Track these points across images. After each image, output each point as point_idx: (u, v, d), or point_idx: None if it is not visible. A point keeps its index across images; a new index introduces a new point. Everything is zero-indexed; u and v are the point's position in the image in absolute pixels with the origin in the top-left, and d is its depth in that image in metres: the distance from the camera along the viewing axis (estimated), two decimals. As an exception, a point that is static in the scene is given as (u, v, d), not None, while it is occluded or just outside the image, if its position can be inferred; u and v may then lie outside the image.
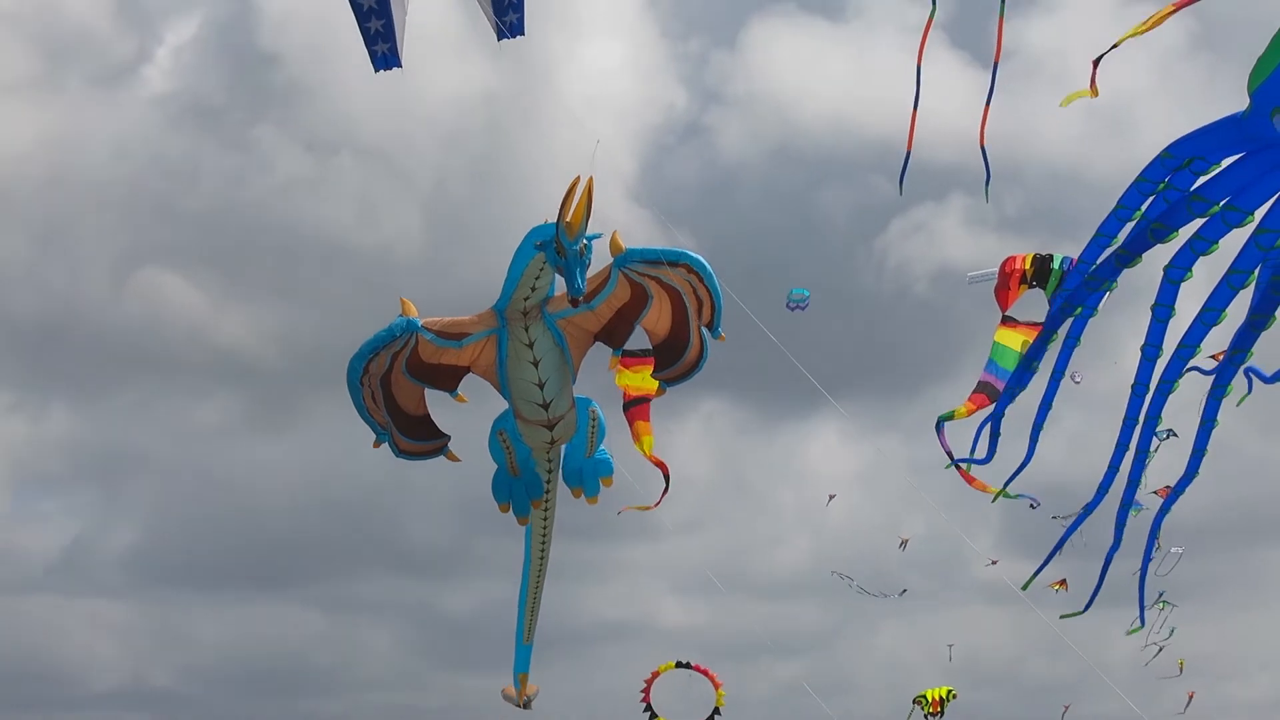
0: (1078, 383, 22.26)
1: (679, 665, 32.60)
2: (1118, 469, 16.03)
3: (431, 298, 18.87)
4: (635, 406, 23.94)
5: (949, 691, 35.65)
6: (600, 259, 18.19)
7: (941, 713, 35.72)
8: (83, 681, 60.31)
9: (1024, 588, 18.16)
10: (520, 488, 20.11)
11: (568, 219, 16.84)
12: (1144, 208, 14.33)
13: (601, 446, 20.17)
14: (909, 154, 16.85)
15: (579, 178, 16.77)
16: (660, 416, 22.88)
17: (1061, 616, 19.34)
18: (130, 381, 67.27)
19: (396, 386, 18.95)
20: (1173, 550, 32.13)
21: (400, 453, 19.79)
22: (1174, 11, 14.61)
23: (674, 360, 19.36)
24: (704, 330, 18.93)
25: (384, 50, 16.80)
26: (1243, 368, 15.15)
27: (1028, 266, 25.36)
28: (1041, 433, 16.40)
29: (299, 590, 65.17)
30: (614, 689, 33.28)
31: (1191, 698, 40.32)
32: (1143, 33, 14.70)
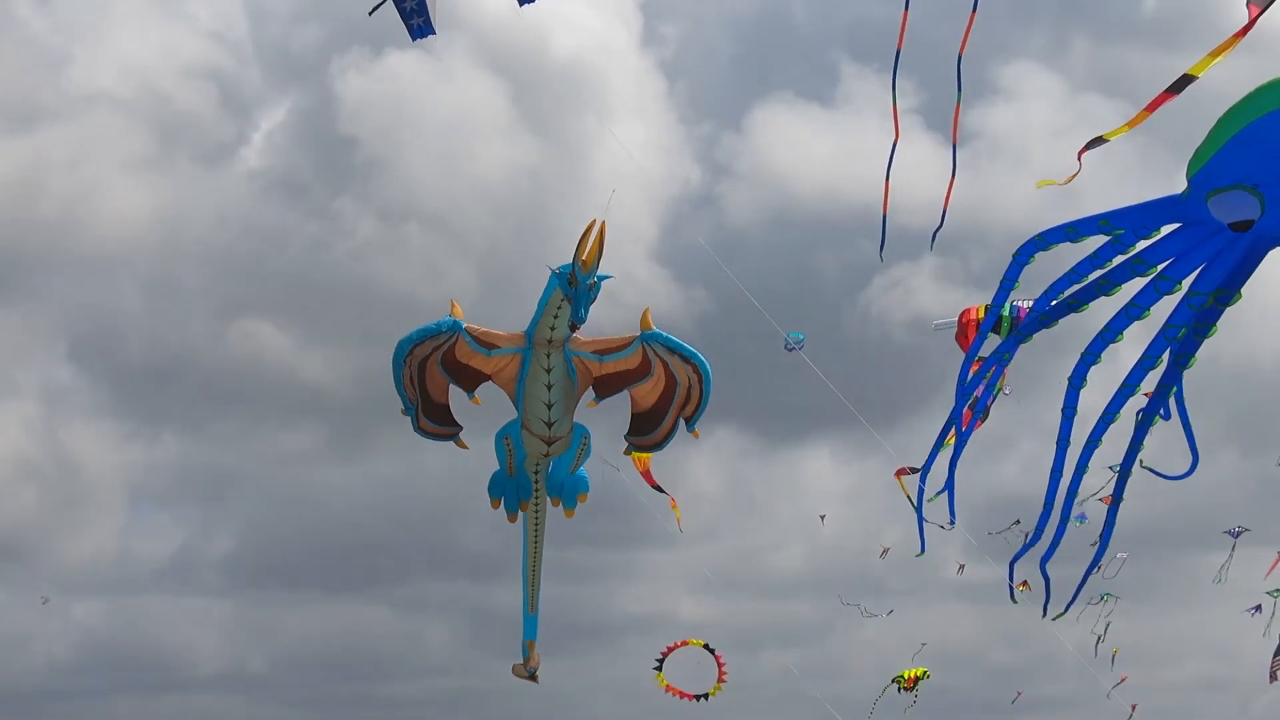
0: (1008, 394, 24.88)
1: (706, 647, 35.61)
2: (1055, 488, 18.05)
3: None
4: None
5: (923, 672, 40.34)
6: (630, 326, 21.56)
7: (915, 689, 40.45)
8: (189, 667, 70.02)
9: (1055, 617, 20.36)
10: (513, 488, 22.69)
11: (583, 257, 19.62)
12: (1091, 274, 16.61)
13: (583, 468, 22.57)
14: (885, 220, 19.34)
15: (594, 220, 19.63)
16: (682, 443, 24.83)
17: (1054, 618, 20.66)
18: (228, 414, 75.97)
19: (429, 374, 21.70)
20: (1119, 555, 35.30)
21: (419, 429, 22.46)
22: (1150, 113, 16.51)
23: (646, 431, 22.20)
24: (682, 420, 21.73)
25: (419, 23, 18.04)
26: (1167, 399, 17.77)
27: (981, 315, 27.93)
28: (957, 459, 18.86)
29: (371, 591, 74.52)
30: (638, 674, 36.46)
31: (1124, 679, 44.39)
32: (1125, 131, 16.68)
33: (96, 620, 71.78)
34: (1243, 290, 17.33)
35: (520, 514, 23.14)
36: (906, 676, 40.09)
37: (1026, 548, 19.35)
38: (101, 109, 79.87)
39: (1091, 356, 17.30)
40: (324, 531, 70.22)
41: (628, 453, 23.19)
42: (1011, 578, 20.38)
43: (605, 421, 22.52)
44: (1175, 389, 17.77)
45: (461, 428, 22.64)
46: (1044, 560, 19.16)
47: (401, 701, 70.72)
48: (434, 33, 18.30)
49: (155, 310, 77.54)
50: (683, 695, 35.32)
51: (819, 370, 24.41)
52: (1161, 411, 18.01)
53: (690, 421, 21.73)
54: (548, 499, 23.04)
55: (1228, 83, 15.43)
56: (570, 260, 20.05)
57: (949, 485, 19.48)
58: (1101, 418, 17.53)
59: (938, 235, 20.02)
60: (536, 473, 22.46)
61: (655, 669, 35.94)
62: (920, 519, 21.00)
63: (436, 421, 22.55)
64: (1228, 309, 17.45)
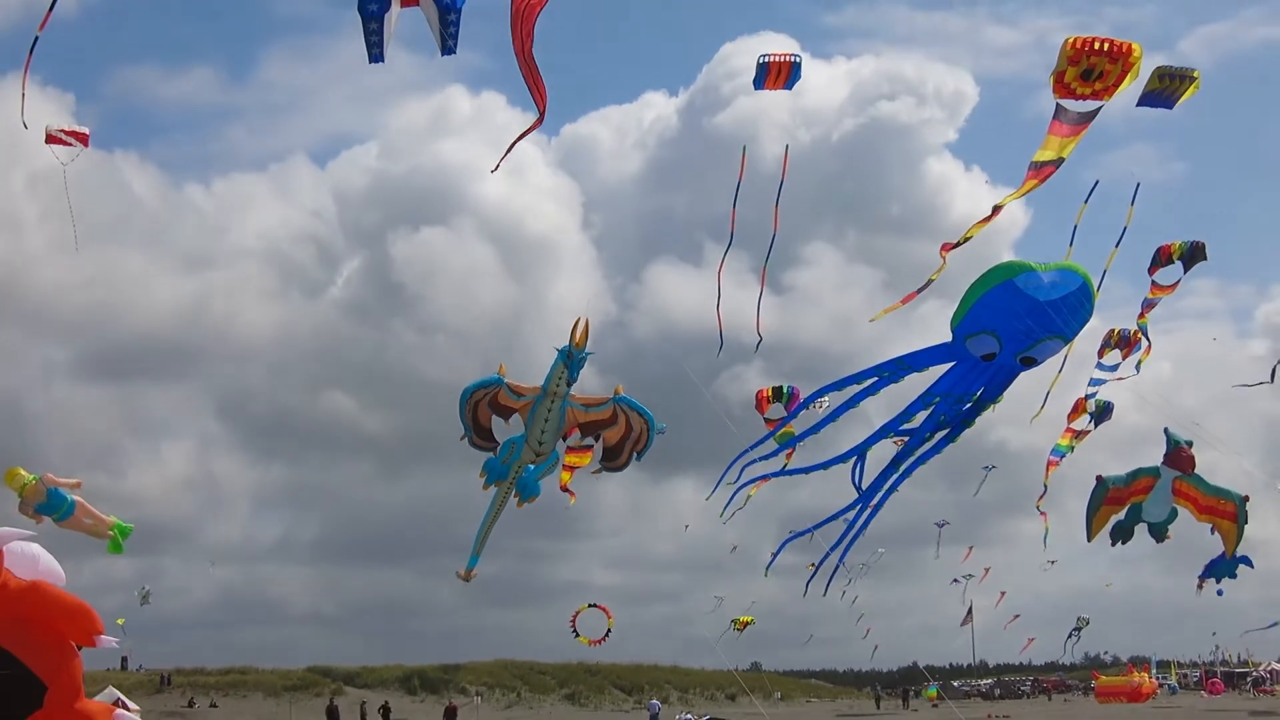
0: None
1: (590, 605, 44.87)
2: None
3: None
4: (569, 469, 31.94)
5: (751, 619, 54.81)
6: (607, 388, 30.05)
7: (743, 630, 55.54)
8: (287, 608, 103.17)
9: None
10: (497, 472, 29.75)
11: (576, 341, 27.99)
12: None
13: (540, 482, 29.62)
14: (721, 334, 28.84)
15: (580, 318, 28.29)
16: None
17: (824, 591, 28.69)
18: (315, 451, 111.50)
19: (480, 410, 29.34)
20: (879, 550, 51.40)
21: (472, 445, 29.97)
22: (992, 217, 22.56)
23: (612, 459, 29.74)
24: (634, 453, 29.54)
25: (376, 52, 16.78)
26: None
27: (769, 393, 35.95)
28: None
29: (402, 563, 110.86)
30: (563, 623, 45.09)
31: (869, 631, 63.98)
32: (982, 228, 22.83)
33: (232, 577, 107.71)
34: (1001, 397, 24.55)
35: (493, 489, 30.08)
36: (740, 621, 53.38)
37: (790, 538, 28.45)
38: (245, 259, 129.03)
39: (883, 433, 24.77)
40: (372, 525, 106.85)
41: (596, 473, 30.12)
42: (775, 557, 30.11)
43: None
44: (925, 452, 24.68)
45: (499, 443, 29.55)
46: (838, 555, 26.58)
47: (420, 633, 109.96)
48: (383, 61, 17.13)
49: (272, 385, 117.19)
50: (594, 642, 45.00)
51: (682, 433, 32.14)
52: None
53: (639, 454, 29.52)
54: (513, 489, 29.86)
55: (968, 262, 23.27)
56: (567, 342, 27.95)
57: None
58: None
59: (760, 346, 29.44)
60: (517, 470, 29.36)
61: (574, 635, 44.81)
62: (779, 549, 29.95)
63: (484, 439, 29.69)
64: (990, 408, 24.79)
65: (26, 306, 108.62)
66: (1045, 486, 44.73)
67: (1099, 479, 38.38)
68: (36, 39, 18.16)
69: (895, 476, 25.12)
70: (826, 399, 33.78)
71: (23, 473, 27.22)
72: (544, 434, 28.75)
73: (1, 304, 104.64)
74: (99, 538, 23.54)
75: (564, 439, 29.74)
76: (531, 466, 29.12)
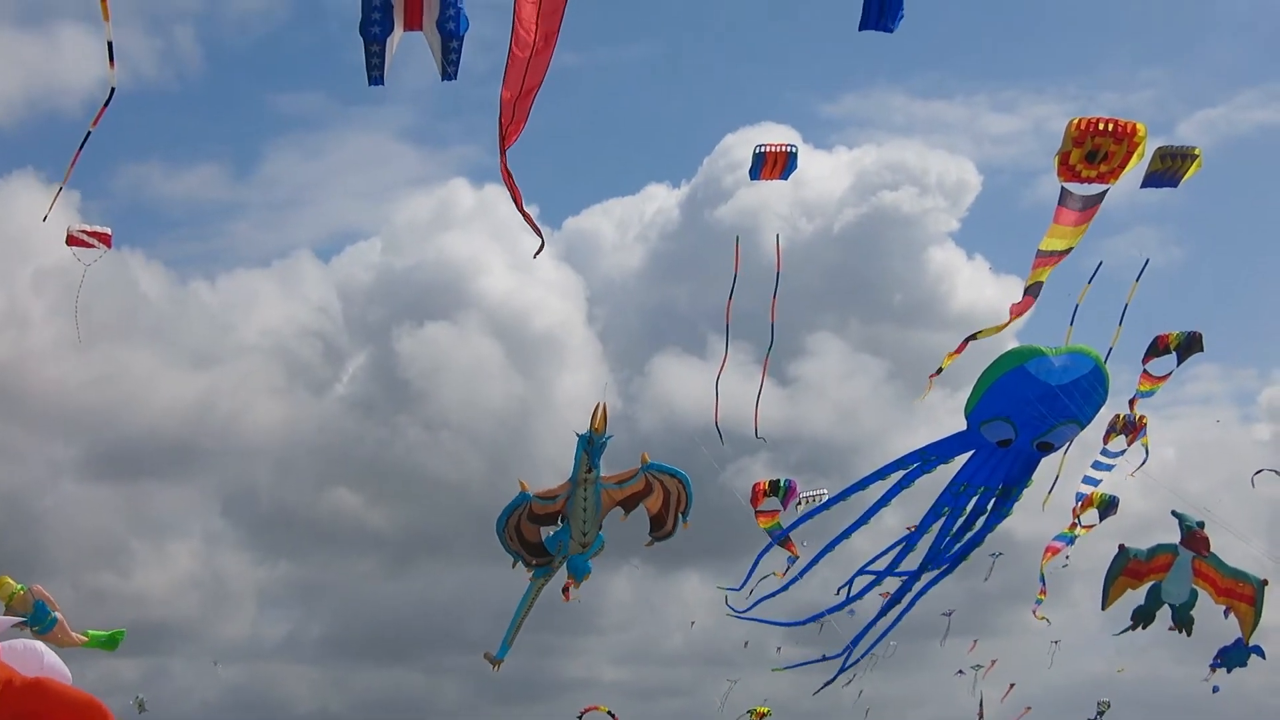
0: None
1: (609, 713, 45.59)
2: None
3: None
4: None
5: (768, 710, 52.11)
6: (633, 458, 28.98)
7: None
8: (292, 708, 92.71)
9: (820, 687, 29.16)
10: (544, 569, 28.97)
11: (595, 426, 27.53)
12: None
13: (591, 561, 28.84)
14: (719, 430, 30.63)
15: (599, 403, 27.76)
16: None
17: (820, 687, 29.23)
18: (321, 548, 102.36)
19: (524, 527, 28.40)
20: (891, 643, 47.09)
21: (528, 567, 29.18)
22: (1010, 321, 22.92)
23: (659, 528, 28.58)
24: (679, 515, 28.32)
25: (376, 74, 16.64)
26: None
27: (766, 485, 36.47)
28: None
29: (408, 661, 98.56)
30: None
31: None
32: (990, 335, 23.19)
33: (237, 677, 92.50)
34: (1031, 480, 24.32)
35: (533, 583, 29.38)
36: (757, 712, 51.37)
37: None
38: (251, 356, 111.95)
39: (918, 532, 24.35)
40: (379, 624, 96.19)
41: (650, 544, 29.21)
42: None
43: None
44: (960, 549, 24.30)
45: (554, 556, 28.71)
46: (845, 658, 26.58)
47: None
48: (382, 83, 16.97)
49: (278, 482, 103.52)
50: None
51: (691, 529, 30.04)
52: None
53: (684, 515, 28.33)
54: (538, 580, 29.25)
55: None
56: (588, 428, 27.51)
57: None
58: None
59: (760, 434, 30.59)
60: (562, 561, 28.69)
61: (578, 717, 45.07)
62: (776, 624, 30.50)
63: (537, 556, 28.80)
64: (1023, 493, 24.52)
65: (32, 405, 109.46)
66: (1043, 576, 44.45)
67: (1121, 547, 37.65)
68: (89, 134, 18.19)
69: (934, 575, 24.86)
70: (825, 491, 34.48)
71: (10, 581, 27.14)
72: (586, 523, 28.19)
73: (7, 402, 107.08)
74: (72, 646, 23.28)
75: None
76: (580, 557, 28.75)
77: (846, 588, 25.83)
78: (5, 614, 21.81)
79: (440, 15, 15.67)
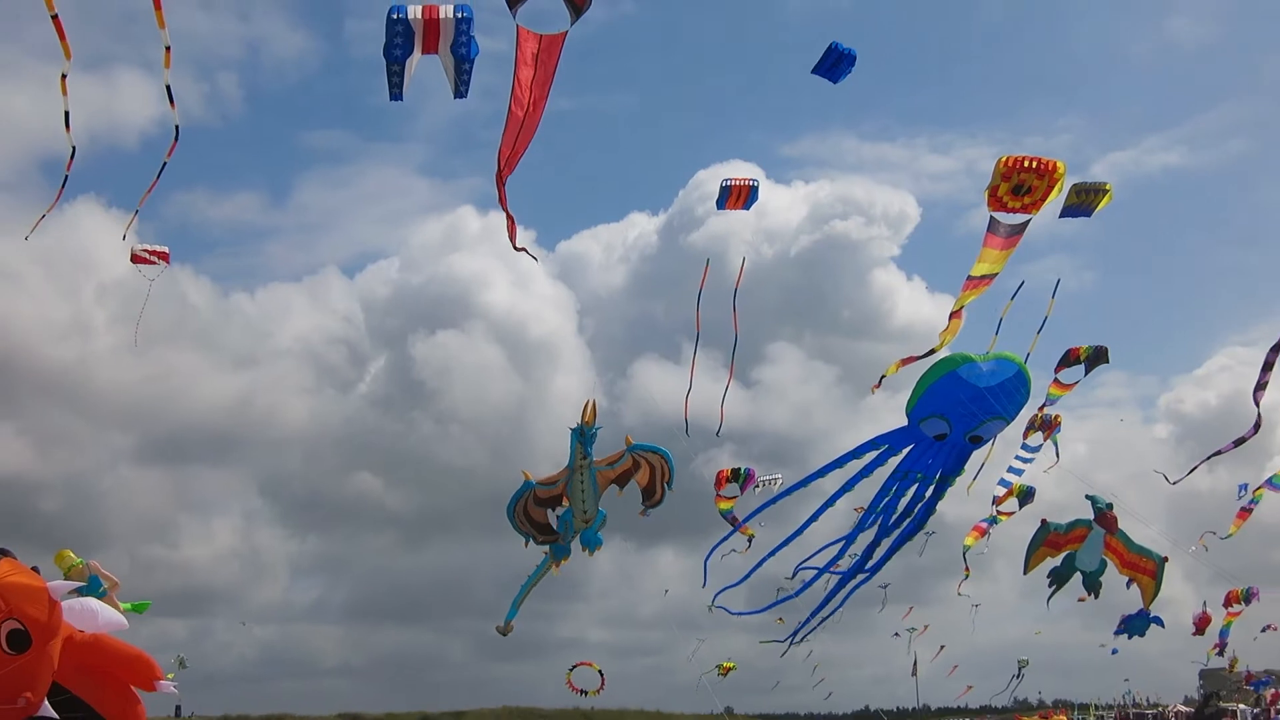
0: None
1: (600, 671, 42.51)
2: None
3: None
4: None
5: (733, 665, 49.68)
6: (618, 444, 28.46)
7: (726, 674, 50.45)
8: (319, 662, 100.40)
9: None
10: (563, 551, 28.70)
11: (586, 420, 27.81)
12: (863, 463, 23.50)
13: (600, 533, 28.71)
14: (687, 423, 31.12)
15: (589, 400, 28.10)
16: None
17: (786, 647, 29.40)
18: (344, 525, 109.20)
19: (531, 511, 28.19)
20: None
21: (539, 544, 28.85)
22: (954, 324, 22.20)
23: (649, 497, 28.02)
24: (665, 485, 27.92)
25: (396, 91, 16.64)
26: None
27: (729, 472, 35.90)
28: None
29: (418, 622, 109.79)
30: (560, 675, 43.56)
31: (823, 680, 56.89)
32: (951, 336, 22.71)
33: (270, 636, 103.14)
34: (964, 469, 24.29)
35: (545, 559, 29.04)
36: (724, 666, 49.06)
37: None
38: (284, 360, 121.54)
39: (869, 514, 24.00)
40: (395, 591, 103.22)
41: (643, 513, 28.60)
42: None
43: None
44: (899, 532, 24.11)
45: (560, 534, 28.60)
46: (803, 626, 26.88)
47: (435, 683, 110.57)
48: (402, 99, 16.83)
49: (308, 468, 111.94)
50: (573, 689, 42.75)
51: (662, 509, 29.46)
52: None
53: (669, 484, 28.01)
54: (555, 563, 28.96)
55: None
56: (579, 421, 27.75)
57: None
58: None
59: (724, 432, 31.27)
60: (573, 537, 28.54)
61: (569, 669, 42.42)
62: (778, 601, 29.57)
63: (545, 535, 28.59)
64: (953, 483, 24.28)
65: (94, 400, 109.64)
66: (965, 555, 44.48)
67: (1043, 521, 38.04)
68: (164, 165, 18.65)
69: (882, 553, 24.75)
70: (780, 478, 34.14)
71: (71, 555, 27.05)
72: (585, 502, 28.05)
73: (73, 398, 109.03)
74: None
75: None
76: (590, 530, 28.59)
77: (806, 570, 25.73)
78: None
79: (454, 41, 15.76)
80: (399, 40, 15.64)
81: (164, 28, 15.33)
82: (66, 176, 19.02)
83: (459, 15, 15.69)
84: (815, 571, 25.63)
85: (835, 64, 19.94)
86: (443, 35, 15.77)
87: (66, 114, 16.60)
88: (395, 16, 15.55)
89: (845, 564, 25.41)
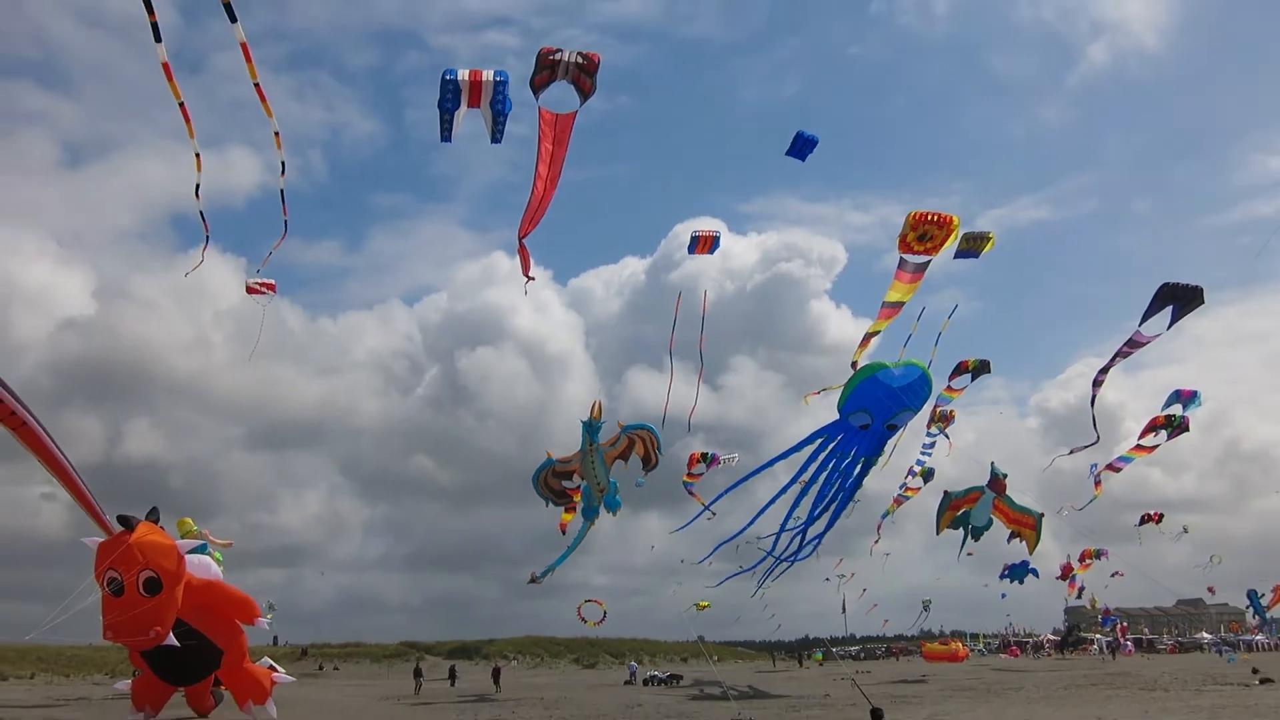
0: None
1: (587, 601, 43.38)
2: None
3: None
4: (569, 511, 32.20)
5: (707, 604, 46.29)
6: (611, 429, 28.61)
7: (702, 610, 47.24)
8: (386, 602, 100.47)
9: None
10: (591, 513, 29.11)
11: (593, 415, 28.14)
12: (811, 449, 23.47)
13: (618, 497, 28.91)
14: (664, 417, 29.07)
15: (596, 401, 28.68)
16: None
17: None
18: (406, 497, 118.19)
19: (550, 482, 28.54)
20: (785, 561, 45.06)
21: (557, 504, 29.33)
22: (866, 343, 23.19)
23: (647, 464, 28.46)
24: (656, 452, 28.42)
25: (446, 136, 15.88)
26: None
27: (700, 455, 36.52)
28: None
29: (465, 570, 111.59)
30: (572, 610, 44.78)
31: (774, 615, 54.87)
32: (865, 348, 23.55)
33: (347, 582, 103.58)
34: (881, 455, 24.29)
35: (581, 525, 29.68)
36: (700, 604, 46.76)
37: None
38: (359, 369, 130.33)
39: (810, 482, 23.73)
40: (444, 546, 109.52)
41: (645, 474, 28.84)
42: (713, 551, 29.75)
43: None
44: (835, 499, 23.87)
45: (572, 497, 29.07)
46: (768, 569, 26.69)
47: (474, 617, 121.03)
48: (450, 141, 16.02)
49: (378, 452, 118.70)
50: (596, 624, 43.21)
51: (650, 485, 29.74)
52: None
53: (660, 450, 28.47)
54: (589, 522, 29.36)
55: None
56: (588, 415, 28.16)
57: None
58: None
59: (694, 428, 30.49)
60: (598, 503, 28.90)
61: (579, 605, 43.18)
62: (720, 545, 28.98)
63: (562, 499, 29.00)
64: (875, 467, 24.28)
65: (213, 399, 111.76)
66: (888, 512, 44.89)
67: (945, 493, 38.41)
68: (285, 224, 18.74)
69: (828, 517, 24.51)
70: (737, 456, 34.25)
71: (190, 522, 27.46)
72: (597, 476, 28.28)
73: (196, 399, 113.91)
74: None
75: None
76: (609, 496, 28.96)
77: (773, 537, 25.73)
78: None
79: (493, 99, 15.70)
80: (450, 96, 15.50)
81: (271, 116, 15.26)
82: (207, 237, 19.21)
83: (497, 79, 15.62)
84: (773, 537, 25.42)
85: (803, 147, 20.17)
86: (484, 93, 15.63)
87: (197, 186, 16.47)
88: (448, 77, 15.45)
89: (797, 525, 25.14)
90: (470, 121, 15.96)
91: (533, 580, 31.57)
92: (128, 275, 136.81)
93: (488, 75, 15.57)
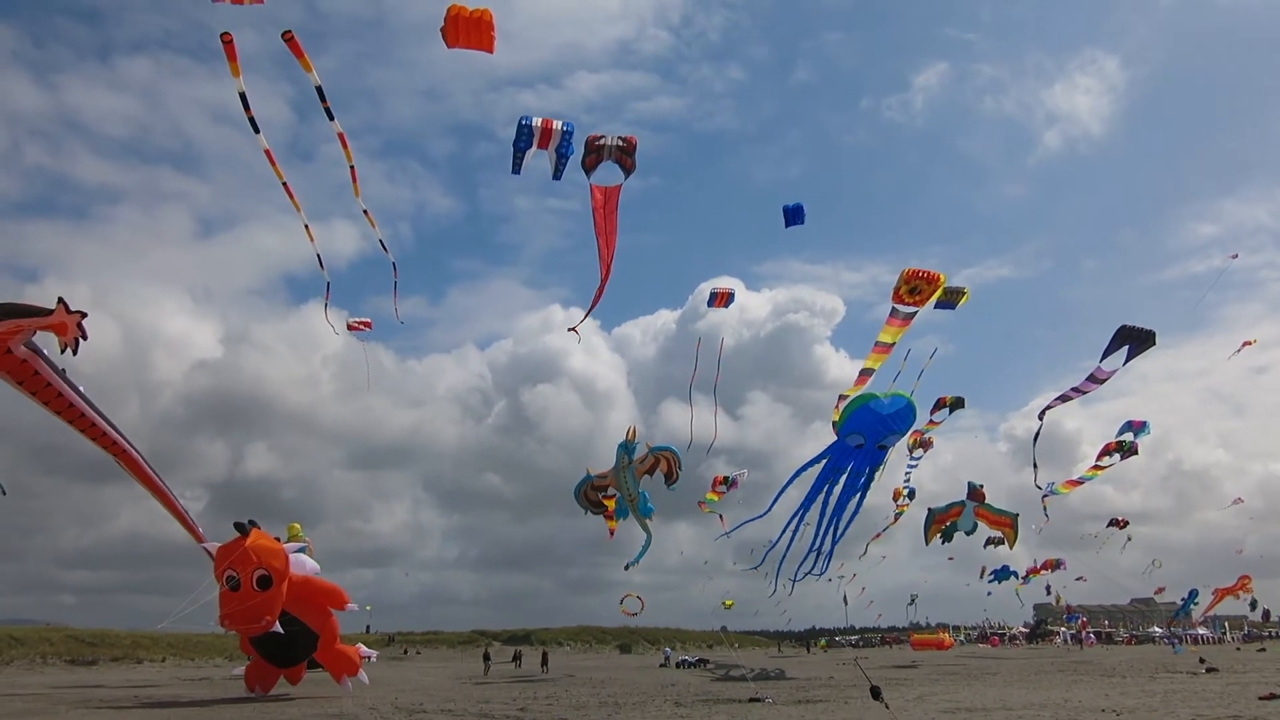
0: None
1: (627, 596, 40.58)
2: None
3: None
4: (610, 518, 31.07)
5: (730, 603, 45.65)
6: (642, 450, 28.38)
7: (729, 607, 46.22)
8: (459, 596, 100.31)
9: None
10: (621, 512, 28.76)
11: (629, 438, 28.02)
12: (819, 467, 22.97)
13: (651, 504, 28.59)
14: (690, 441, 28.77)
15: (631, 426, 28.61)
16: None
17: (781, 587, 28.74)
18: (476, 507, 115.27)
19: (589, 494, 28.38)
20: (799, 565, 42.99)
21: (594, 512, 28.71)
22: (864, 379, 22.38)
23: (671, 479, 28.21)
24: (678, 469, 28.20)
25: (516, 168, 15.43)
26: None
27: (722, 478, 35.02)
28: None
29: (528, 571, 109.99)
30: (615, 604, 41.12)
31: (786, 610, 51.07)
32: (864, 384, 22.79)
33: (427, 580, 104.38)
34: (880, 470, 23.63)
35: (648, 523, 29.06)
36: (727, 602, 45.61)
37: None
38: (440, 402, 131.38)
39: (816, 491, 23.34)
40: (509, 549, 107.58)
41: (670, 487, 28.54)
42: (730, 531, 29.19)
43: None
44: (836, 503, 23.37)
45: (608, 507, 28.61)
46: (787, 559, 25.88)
47: (532, 610, 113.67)
48: (519, 174, 15.55)
49: (455, 469, 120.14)
50: (625, 613, 37.41)
51: (680, 498, 30.35)
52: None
53: (679, 469, 28.09)
54: (646, 518, 28.87)
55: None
56: (624, 438, 28.10)
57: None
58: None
59: (714, 450, 29.40)
60: (633, 509, 28.45)
61: (621, 599, 41.23)
62: (736, 527, 28.76)
63: (596, 508, 28.64)
64: (876, 477, 23.61)
65: (320, 427, 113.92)
66: (883, 528, 43.80)
67: (930, 510, 37.56)
68: (395, 284, 19.15)
69: (846, 520, 24.21)
70: (745, 472, 33.58)
71: (298, 527, 27.39)
72: (629, 488, 28.13)
73: (307, 426, 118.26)
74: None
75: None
76: (641, 504, 28.66)
77: (787, 535, 25.13)
78: (285, 543, 21.49)
79: (559, 144, 15.65)
80: (524, 137, 15.49)
81: (359, 196, 15.63)
82: (326, 303, 19.61)
83: (565, 129, 15.57)
84: (789, 536, 24.88)
85: (793, 215, 20.18)
86: (552, 139, 15.60)
87: (319, 255, 17.00)
88: (524, 122, 15.38)
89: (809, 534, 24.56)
90: (530, 204, 15.95)
91: (627, 568, 31.22)
92: (249, 325, 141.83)
93: (558, 124, 15.59)
